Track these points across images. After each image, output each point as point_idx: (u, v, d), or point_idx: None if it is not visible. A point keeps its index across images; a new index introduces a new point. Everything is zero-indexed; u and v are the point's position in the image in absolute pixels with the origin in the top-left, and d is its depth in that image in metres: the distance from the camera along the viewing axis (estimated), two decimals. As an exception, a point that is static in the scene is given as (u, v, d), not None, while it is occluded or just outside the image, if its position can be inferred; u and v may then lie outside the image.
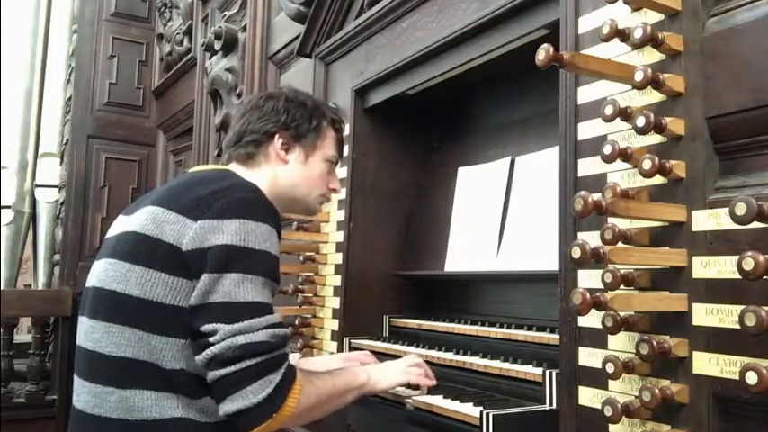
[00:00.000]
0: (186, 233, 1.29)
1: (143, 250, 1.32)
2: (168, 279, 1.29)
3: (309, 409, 1.33)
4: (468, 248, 2.04)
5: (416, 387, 1.65)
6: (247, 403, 1.22)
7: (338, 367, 1.66)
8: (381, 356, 1.98)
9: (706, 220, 1.09)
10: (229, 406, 1.23)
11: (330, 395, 1.42)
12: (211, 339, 1.24)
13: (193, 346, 1.28)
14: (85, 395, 1.34)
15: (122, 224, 1.44)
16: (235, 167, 1.59)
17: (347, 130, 2.30)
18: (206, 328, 1.25)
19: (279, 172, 1.60)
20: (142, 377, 1.28)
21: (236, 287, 1.27)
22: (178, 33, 4.61)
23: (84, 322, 1.40)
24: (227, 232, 1.28)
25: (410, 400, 1.61)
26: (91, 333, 1.36)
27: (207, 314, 1.26)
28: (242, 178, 1.47)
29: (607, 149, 1.13)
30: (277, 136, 1.59)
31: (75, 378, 1.40)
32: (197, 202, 1.32)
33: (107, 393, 1.30)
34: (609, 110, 1.14)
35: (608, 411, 1.09)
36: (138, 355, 1.29)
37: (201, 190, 1.35)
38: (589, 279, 1.27)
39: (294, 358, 1.89)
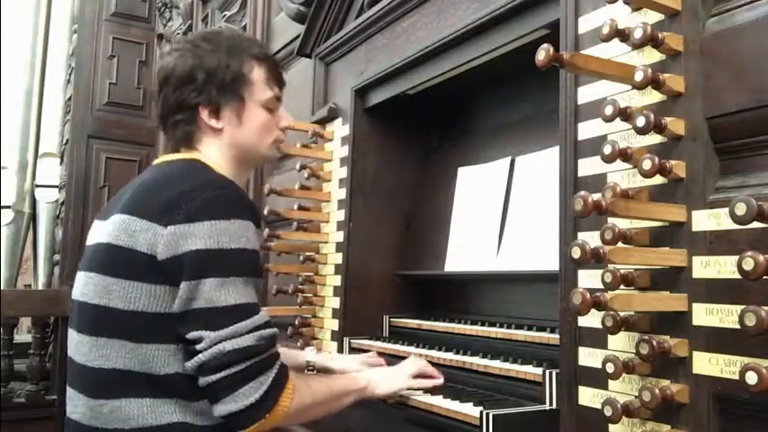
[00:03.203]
0: (159, 241, 1.27)
1: (120, 263, 1.30)
2: (149, 288, 1.27)
3: (304, 409, 1.34)
4: (468, 248, 2.04)
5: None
6: (240, 405, 1.23)
7: (356, 369, 1.69)
8: (381, 356, 1.98)
9: (706, 220, 1.08)
10: (223, 408, 1.24)
11: (326, 397, 1.42)
12: (198, 347, 1.24)
13: (183, 351, 1.27)
14: (80, 407, 1.34)
15: (98, 233, 1.42)
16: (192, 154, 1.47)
17: (347, 129, 2.31)
18: (192, 335, 1.25)
19: (223, 140, 1.47)
20: (135, 386, 1.28)
21: (217, 292, 1.25)
22: (178, 33, 4.61)
23: (72, 335, 1.39)
24: (199, 236, 1.25)
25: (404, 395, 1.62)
26: (79, 347, 1.35)
27: (191, 321, 1.25)
28: (210, 172, 1.39)
29: (607, 149, 1.13)
30: (200, 107, 1.44)
31: (69, 389, 1.38)
32: (165, 207, 1.29)
33: (100, 406, 1.30)
34: (609, 110, 1.14)
35: (608, 411, 1.09)
36: (130, 365, 1.28)
37: (169, 192, 1.31)
38: (589, 279, 1.27)
39: (312, 353, 1.91)
